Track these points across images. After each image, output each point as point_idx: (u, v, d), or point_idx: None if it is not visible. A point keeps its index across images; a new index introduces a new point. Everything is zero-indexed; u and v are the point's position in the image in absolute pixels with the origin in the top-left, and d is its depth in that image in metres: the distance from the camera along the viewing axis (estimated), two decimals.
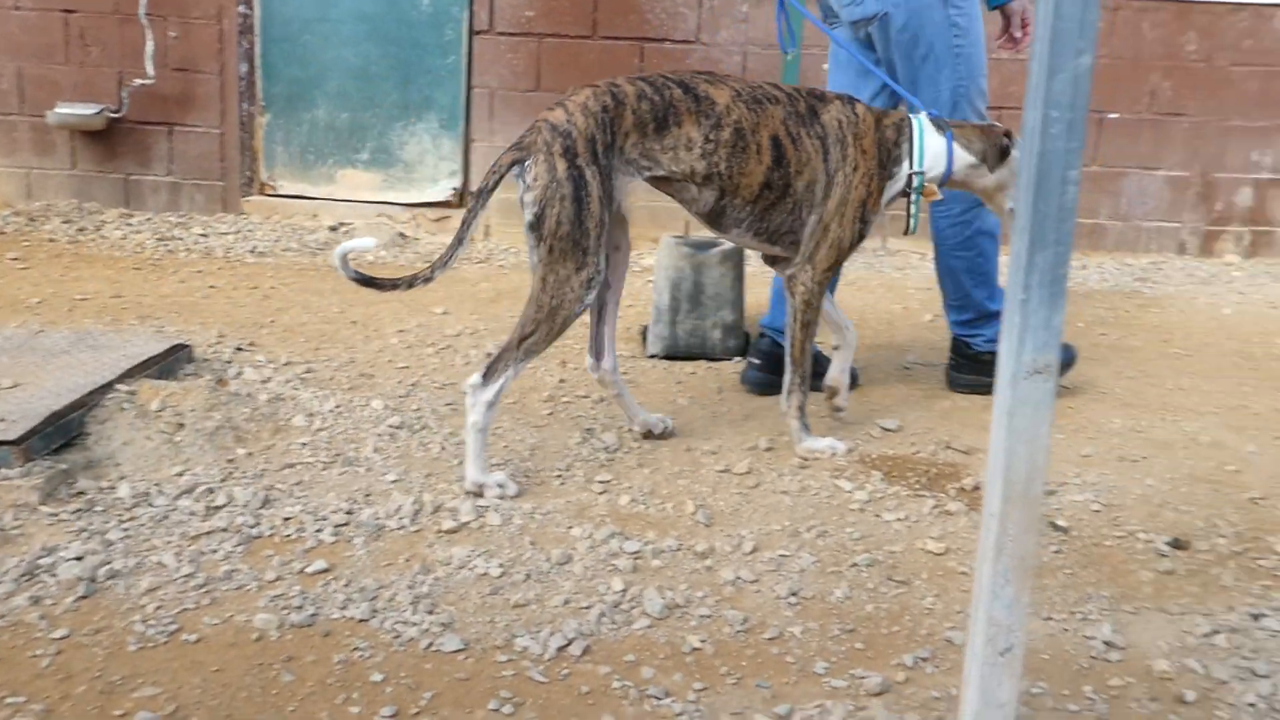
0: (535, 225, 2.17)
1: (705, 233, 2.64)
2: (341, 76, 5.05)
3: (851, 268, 4.73)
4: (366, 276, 2.24)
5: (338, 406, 2.67)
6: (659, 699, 1.58)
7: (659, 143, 2.26)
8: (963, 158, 2.51)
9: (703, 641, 1.73)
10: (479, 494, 2.20)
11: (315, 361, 3.03)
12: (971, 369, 2.97)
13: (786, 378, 2.53)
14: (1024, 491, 1.10)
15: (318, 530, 2.05)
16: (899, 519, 2.18)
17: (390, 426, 2.56)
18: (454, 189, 5.12)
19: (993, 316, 2.93)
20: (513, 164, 2.18)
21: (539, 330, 2.21)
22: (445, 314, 3.62)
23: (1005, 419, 1.07)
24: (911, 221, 2.50)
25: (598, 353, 2.46)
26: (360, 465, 2.35)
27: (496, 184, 2.20)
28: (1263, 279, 4.95)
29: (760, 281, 3.42)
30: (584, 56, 5.01)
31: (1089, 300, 4.30)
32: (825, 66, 3.07)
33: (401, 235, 4.96)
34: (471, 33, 5.00)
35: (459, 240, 2.21)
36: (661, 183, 2.34)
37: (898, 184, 2.49)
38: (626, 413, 2.55)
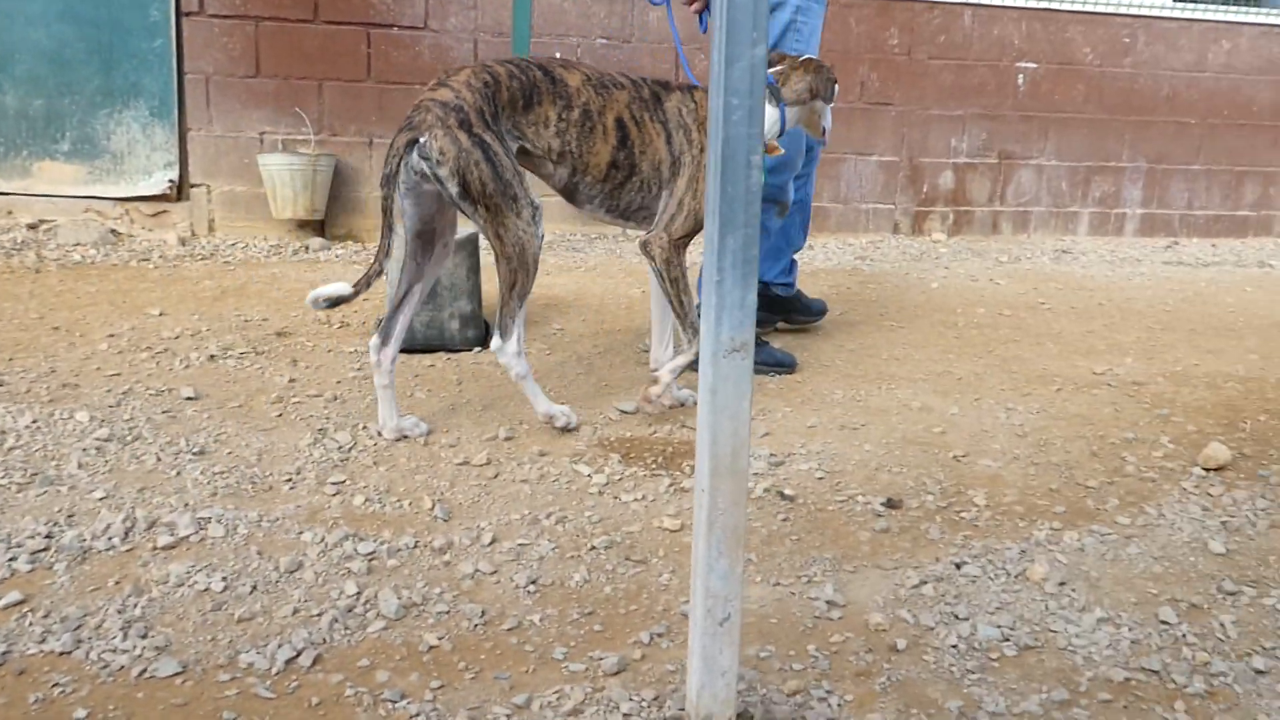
0: (463, 193, 2.29)
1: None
2: (32, 60, 4.61)
3: (594, 255, 4.80)
4: (333, 299, 2.30)
5: (34, 421, 2.44)
6: (395, 702, 1.54)
7: (525, 118, 2.42)
8: (791, 114, 2.76)
9: (440, 638, 1.70)
10: (552, 423, 2.51)
11: (8, 374, 2.76)
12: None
13: (683, 338, 2.66)
14: (731, 466, 1.14)
15: (11, 559, 1.86)
16: (636, 499, 2.23)
17: (98, 439, 2.37)
18: (170, 181, 4.79)
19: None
20: (409, 144, 2.27)
21: (518, 276, 2.38)
22: (162, 315, 3.38)
23: (709, 396, 1.11)
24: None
25: (385, 336, 2.47)
26: (62, 483, 2.16)
27: (399, 166, 2.30)
28: (964, 254, 5.41)
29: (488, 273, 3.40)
30: (306, 42, 4.81)
31: (815, 279, 4.54)
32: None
33: (114, 232, 4.60)
34: (179, 14, 4.69)
35: (389, 228, 2.33)
36: (524, 157, 2.47)
37: None
38: (383, 411, 2.48)
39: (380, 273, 2.32)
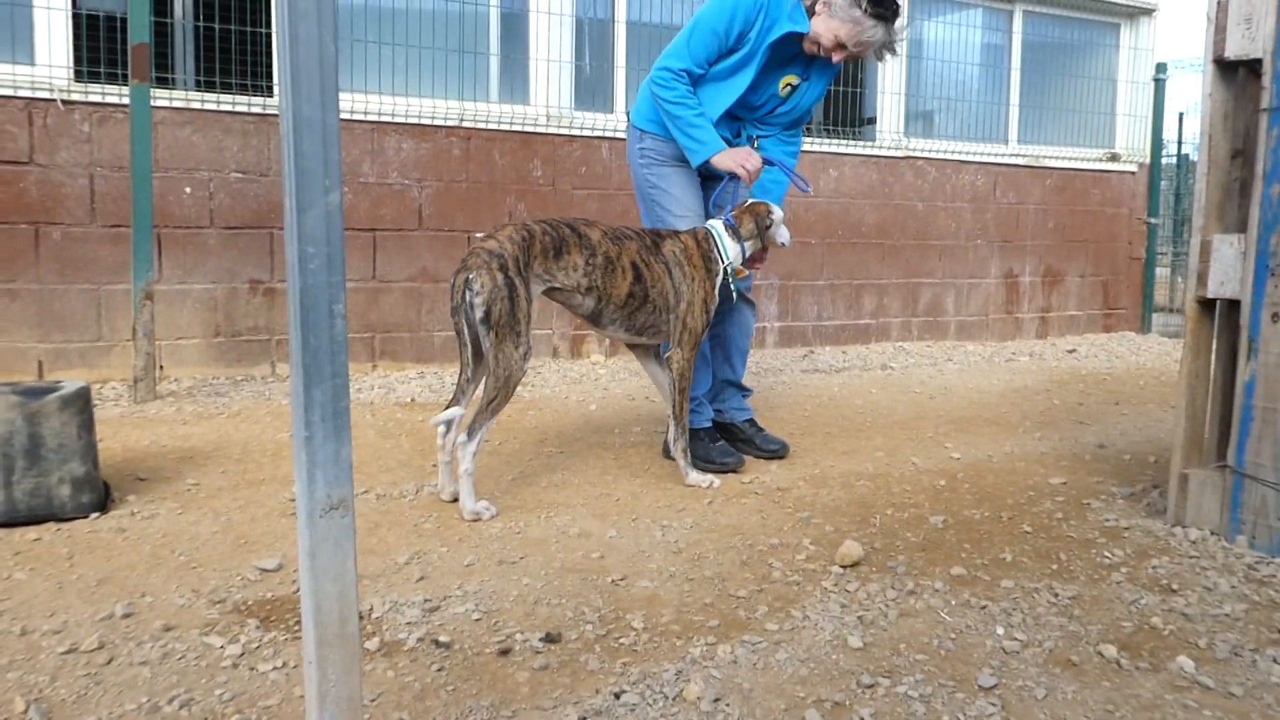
0: (485, 319, 2.93)
1: (44, 379, 2.35)
2: None
3: (239, 399, 4.53)
4: (448, 420, 3.05)
5: None
6: None
7: (556, 264, 3.08)
8: (748, 245, 3.47)
9: None
10: (477, 519, 2.97)
11: None
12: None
13: (671, 430, 3.42)
14: (340, 633, 1.07)
15: None
16: (276, 668, 2.06)
17: None
18: None
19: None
20: (465, 282, 2.92)
21: (499, 395, 2.98)
22: None
23: (309, 560, 1.04)
24: (732, 291, 3.55)
25: (448, 423, 3.09)
26: None
27: (463, 298, 2.93)
28: (622, 375, 5.61)
29: (109, 427, 3.11)
30: None
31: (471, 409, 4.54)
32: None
33: None
34: None
35: (464, 345, 3.01)
36: (555, 292, 3.12)
37: (719, 276, 3.40)
38: (442, 478, 3.12)
39: (470, 380, 3.06)
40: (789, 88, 3.63)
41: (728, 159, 3.42)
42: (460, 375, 3.09)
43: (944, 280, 7.25)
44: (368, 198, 5.35)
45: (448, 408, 3.10)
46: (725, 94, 3.51)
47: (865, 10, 3.34)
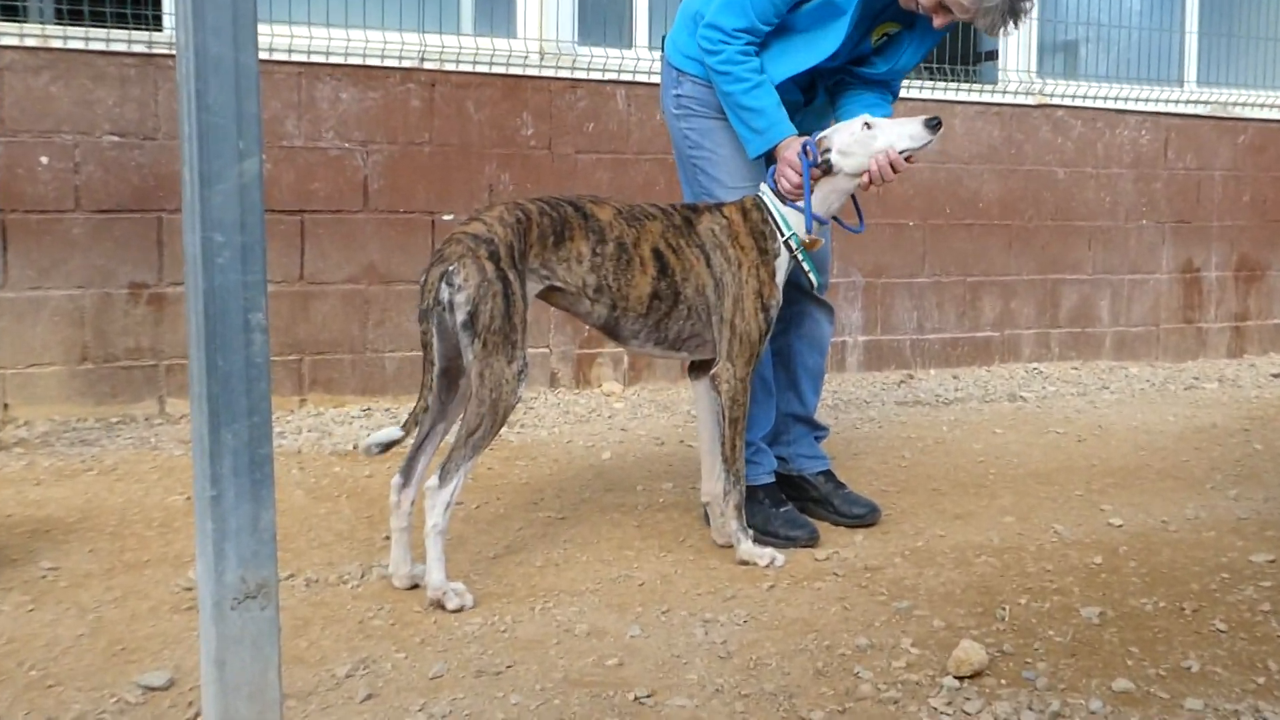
0: (469, 323, 2.99)
1: None
2: None
3: (114, 449, 4.57)
4: (385, 443, 3.05)
5: None
6: None
7: (556, 254, 3.17)
8: (816, 203, 3.45)
9: None
10: (440, 605, 3.02)
11: None
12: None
13: (719, 484, 3.47)
14: None
15: None
16: None
17: None
18: None
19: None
20: (442, 275, 2.99)
21: (483, 424, 3.04)
22: None
23: (215, 671, 1.04)
24: (812, 277, 3.53)
25: (406, 477, 3.18)
26: None
27: (435, 299, 3.00)
28: (647, 409, 5.62)
29: None
30: None
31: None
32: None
33: None
34: None
35: (430, 363, 3.07)
36: (556, 294, 3.23)
37: (784, 258, 3.44)
38: (396, 554, 3.17)
39: (427, 408, 3.09)
40: (884, 37, 3.68)
41: (793, 153, 3.46)
42: (418, 402, 3.11)
43: (1095, 276, 7.24)
44: (293, 167, 5.39)
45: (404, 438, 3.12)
46: (802, 53, 3.57)
47: None
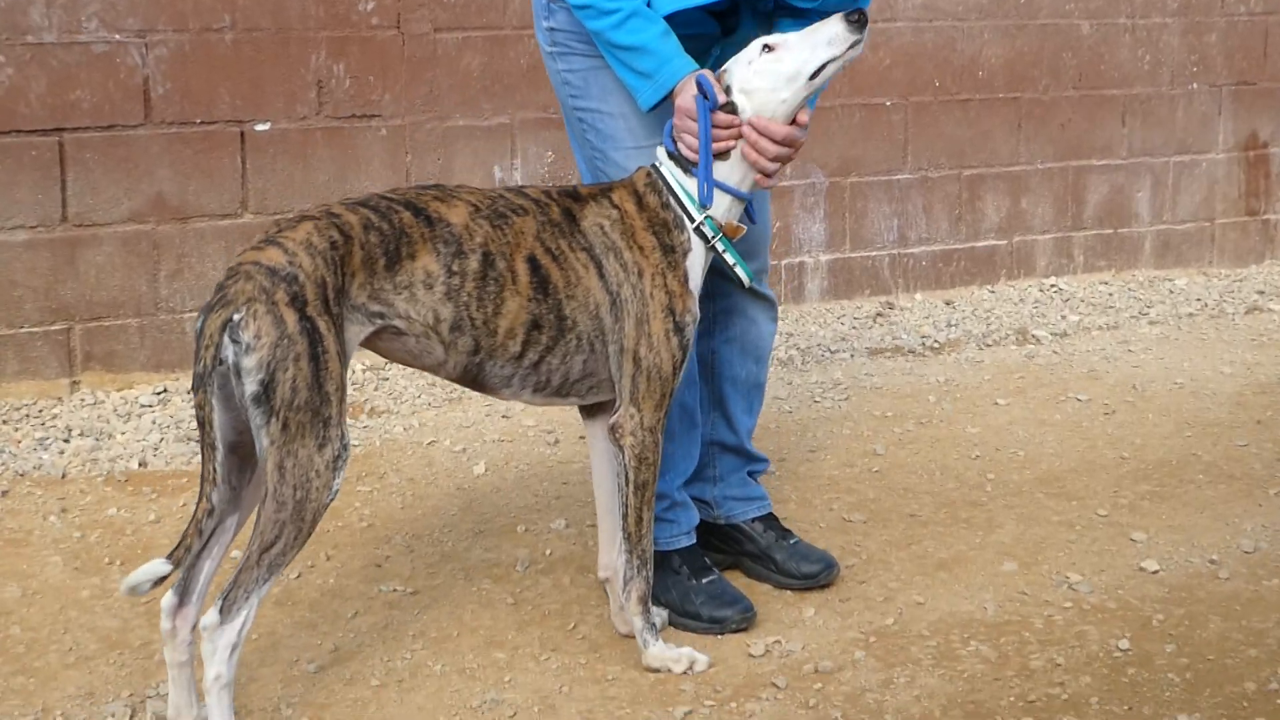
0: (263, 397, 2.77)
1: None
2: None
3: None
4: (152, 579, 2.85)
5: None
6: None
7: (391, 281, 2.99)
8: (732, 173, 3.29)
9: None
10: None
11: None
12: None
13: (621, 561, 3.34)
14: None
15: None
16: None
17: None
18: None
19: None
20: (224, 325, 2.77)
21: (284, 534, 2.83)
22: None
23: None
24: (739, 271, 3.34)
25: (184, 593, 2.96)
26: None
27: (215, 360, 2.78)
28: None
29: None
30: None
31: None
32: None
33: None
34: None
35: (210, 447, 2.87)
36: (393, 340, 3.06)
37: (698, 252, 3.28)
38: (175, 696, 2.99)
39: (211, 511, 2.90)
40: None
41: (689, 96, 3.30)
42: (199, 503, 2.90)
43: (1131, 160, 7.22)
44: (44, 72, 5.20)
45: (171, 560, 2.89)
46: None
47: None
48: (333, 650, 3.42)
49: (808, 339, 6.01)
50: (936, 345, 6.00)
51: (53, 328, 5.28)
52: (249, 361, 2.75)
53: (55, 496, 4.35)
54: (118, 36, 5.26)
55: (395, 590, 3.74)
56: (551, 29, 3.54)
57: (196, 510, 2.89)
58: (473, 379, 3.18)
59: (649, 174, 3.30)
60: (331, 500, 2.90)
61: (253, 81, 5.48)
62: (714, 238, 3.27)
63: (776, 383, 5.32)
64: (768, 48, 3.23)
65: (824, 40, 3.18)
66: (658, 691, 3.24)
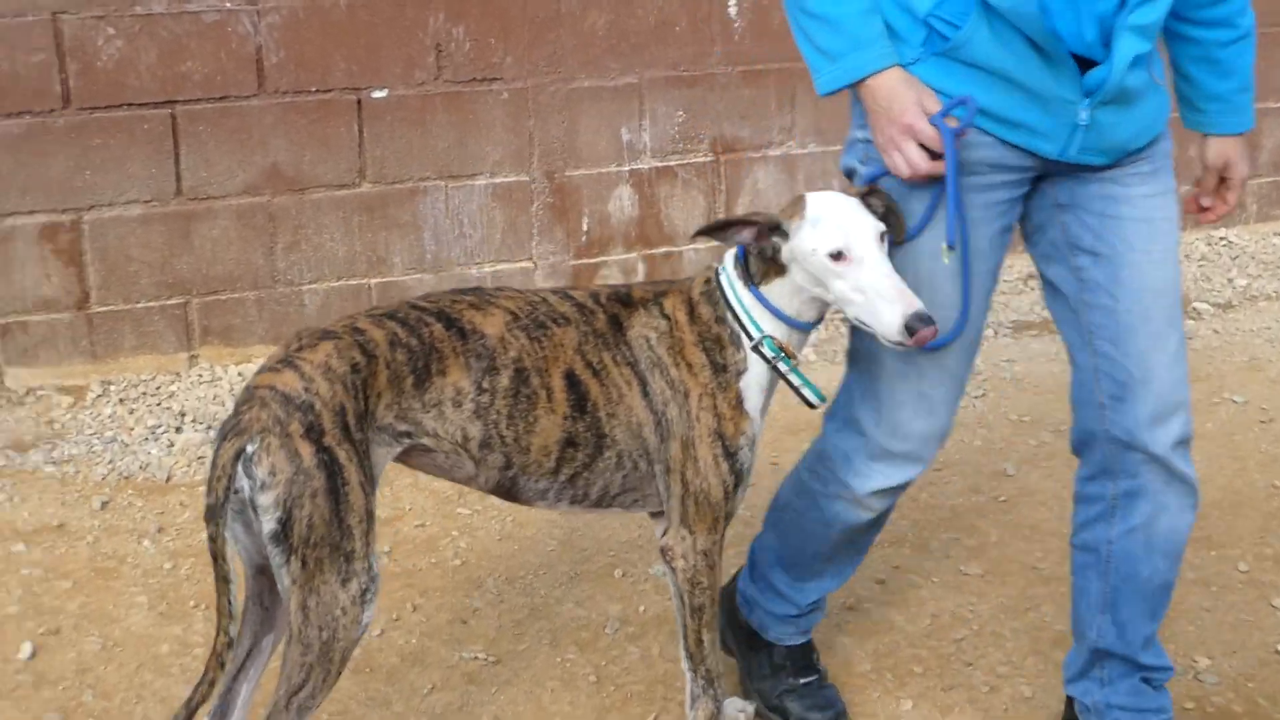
0: (281, 535, 2.63)
1: None
2: None
3: None
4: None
5: None
6: None
7: (419, 399, 2.86)
8: (784, 295, 2.98)
9: None
10: None
11: None
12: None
13: (688, 684, 3.16)
14: None
15: None
16: None
17: None
18: None
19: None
20: (238, 455, 2.63)
21: (311, 678, 2.70)
22: None
23: None
24: (806, 392, 2.99)
25: (223, 715, 2.89)
26: None
27: (228, 491, 2.62)
28: None
29: None
30: None
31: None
32: None
33: None
34: None
35: (224, 580, 2.65)
36: (422, 456, 2.93)
37: (754, 372, 3.01)
38: None
39: (230, 644, 2.69)
40: None
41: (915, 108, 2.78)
42: (217, 636, 2.72)
43: None
44: (155, 43, 5.19)
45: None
46: None
47: None
48: None
49: None
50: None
51: (169, 302, 5.36)
52: (264, 499, 2.64)
53: (155, 511, 4.34)
54: (228, 5, 5.27)
55: (477, 658, 3.66)
56: None
57: (215, 643, 2.73)
58: (506, 491, 3.05)
59: (708, 281, 3.06)
60: (360, 635, 2.77)
61: (368, 47, 5.44)
62: (774, 357, 2.99)
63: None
64: (839, 256, 2.82)
65: (883, 311, 2.77)
66: None
